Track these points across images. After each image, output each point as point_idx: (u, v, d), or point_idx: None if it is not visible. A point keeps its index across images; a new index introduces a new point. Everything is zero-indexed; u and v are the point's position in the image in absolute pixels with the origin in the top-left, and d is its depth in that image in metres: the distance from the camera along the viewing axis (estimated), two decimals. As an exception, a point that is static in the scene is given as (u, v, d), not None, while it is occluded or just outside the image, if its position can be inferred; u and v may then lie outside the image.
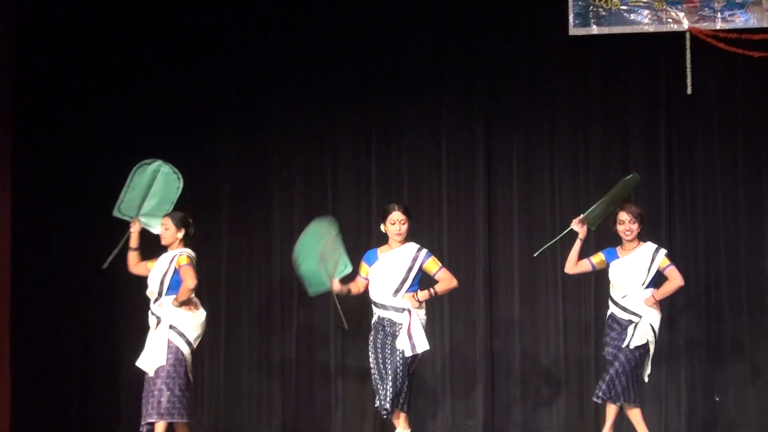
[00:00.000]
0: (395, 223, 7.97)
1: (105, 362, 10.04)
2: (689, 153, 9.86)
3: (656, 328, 8.14)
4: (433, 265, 8.04)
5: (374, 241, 9.98)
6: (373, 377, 7.97)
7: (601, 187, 9.82)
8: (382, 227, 8.09)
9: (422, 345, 7.91)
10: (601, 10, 9.86)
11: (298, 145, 10.23)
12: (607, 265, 8.31)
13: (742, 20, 9.79)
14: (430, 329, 9.54)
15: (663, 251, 8.22)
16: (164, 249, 8.28)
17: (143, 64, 10.25)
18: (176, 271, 8.05)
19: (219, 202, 10.22)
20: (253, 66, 10.27)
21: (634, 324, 8.09)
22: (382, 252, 8.06)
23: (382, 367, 7.89)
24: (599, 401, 8.23)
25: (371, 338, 8.03)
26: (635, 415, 8.19)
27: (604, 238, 8.75)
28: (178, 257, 8.08)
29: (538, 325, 9.88)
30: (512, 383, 9.84)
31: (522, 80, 10.04)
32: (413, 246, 8.04)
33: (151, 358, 7.94)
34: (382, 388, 7.86)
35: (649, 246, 8.24)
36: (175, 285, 8.04)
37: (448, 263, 9.76)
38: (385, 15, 10.13)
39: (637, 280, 8.14)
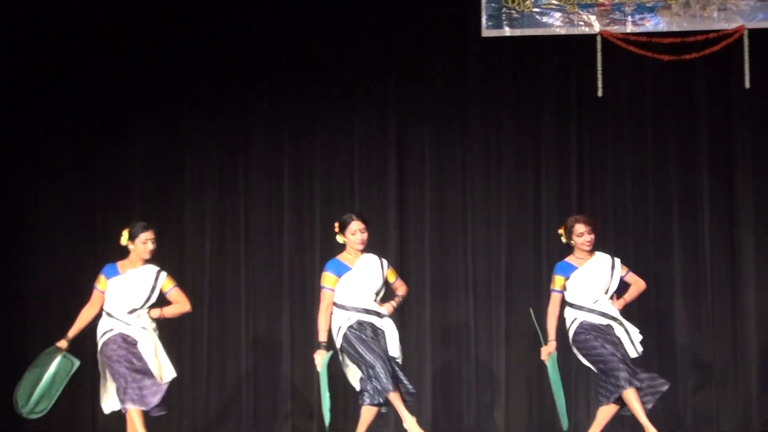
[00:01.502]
0: (356, 232, 8.01)
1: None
2: (599, 154, 9.95)
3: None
4: (392, 275, 8.19)
5: (286, 239, 10.01)
6: (367, 366, 7.86)
7: (513, 187, 9.93)
8: (339, 238, 8.09)
9: (400, 353, 8.03)
10: (513, 12, 9.92)
11: (211, 146, 10.17)
12: (567, 279, 8.16)
13: (651, 24, 9.90)
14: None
15: (618, 259, 8.22)
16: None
17: (56, 63, 10.12)
18: (160, 291, 8.02)
19: (130, 205, 10.09)
20: (166, 66, 10.16)
21: (622, 329, 8.01)
22: (350, 261, 8.06)
23: (379, 353, 7.86)
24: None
25: (355, 334, 7.94)
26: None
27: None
28: (164, 278, 8.03)
29: (448, 323, 9.90)
30: (423, 383, 9.84)
31: (435, 81, 10.05)
32: (374, 256, 8.11)
33: (168, 367, 7.98)
34: (387, 373, 7.81)
35: (603, 255, 8.21)
36: (155, 302, 8.04)
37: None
38: (298, 13, 10.10)
39: (603, 287, 8.10)
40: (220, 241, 10.09)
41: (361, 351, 7.87)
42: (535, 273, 9.84)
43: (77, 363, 8.12)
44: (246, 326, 9.96)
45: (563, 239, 8.21)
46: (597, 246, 9.59)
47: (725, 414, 9.63)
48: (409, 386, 7.88)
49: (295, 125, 10.12)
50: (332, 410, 8.03)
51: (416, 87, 10.05)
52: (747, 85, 9.73)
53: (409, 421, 7.82)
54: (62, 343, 8.05)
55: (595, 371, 8.09)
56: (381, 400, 7.86)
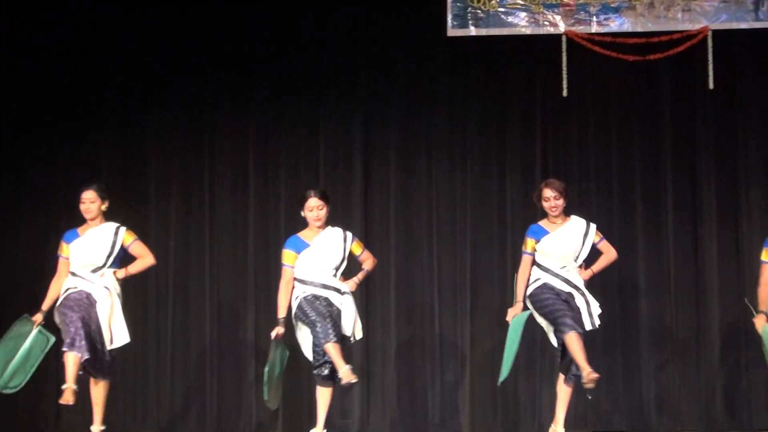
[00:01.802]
0: (313, 209, 8.13)
1: None
2: (564, 154, 9.99)
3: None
4: (357, 247, 8.28)
5: (252, 239, 10.01)
6: (312, 325, 7.95)
7: (478, 186, 9.96)
8: (301, 213, 8.22)
9: (360, 332, 8.21)
10: (479, 11, 9.95)
11: (176, 142, 10.16)
12: (537, 242, 8.23)
13: (616, 24, 9.95)
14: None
15: (594, 225, 8.29)
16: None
17: (21, 58, 10.09)
18: (122, 246, 8.10)
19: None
20: (132, 61, 10.15)
21: (583, 300, 8.07)
22: (309, 237, 8.15)
23: (326, 315, 7.91)
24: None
25: (308, 301, 8.00)
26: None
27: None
28: (123, 233, 8.13)
29: (414, 319, 9.93)
30: (388, 377, 9.87)
31: (401, 80, 10.07)
32: (338, 229, 8.22)
33: (122, 332, 8.03)
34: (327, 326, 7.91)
35: (579, 220, 8.28)
36: (119, 259, 8.14)
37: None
38: (265, 10, 10.10)
39: (572, 253, 8.16)
40: (185, 238, 10.08)
41: (308, 312, 7.98)
42: (499, 270, 9.88)
43: (53, 339, 8.14)
44: (210, 323, 9.95)
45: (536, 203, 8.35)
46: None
47: (687, 407, 9.67)
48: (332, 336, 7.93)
49: (261, 123, 10.12)
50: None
51: (382, 86, 10.07)
52: (711, 85, 9.77)
53: (343, 369, 7.87)
54: (37, 317, 8.09)
55: (546, 325, 8.14)
56: (334, 379, 7.97)
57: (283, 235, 9.81)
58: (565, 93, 9.85)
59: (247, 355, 9.85)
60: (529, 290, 8.18)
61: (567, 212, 8.34)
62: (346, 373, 7.87)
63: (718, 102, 9.87)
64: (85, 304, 7.96)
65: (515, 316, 8.12)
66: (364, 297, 9.78)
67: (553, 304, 8.04)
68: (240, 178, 10.11)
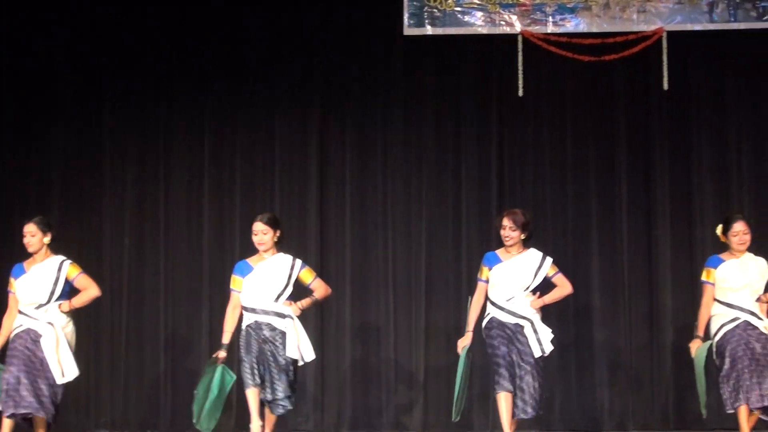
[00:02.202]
0: (257, 233, 8.01)
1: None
2: (520, 153, 10.03)
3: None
4: (308, 275, 8.10)
5: (206, 238, 9.98)
6: (252, 379, 7.88)
7: (434, 186, 9.97)
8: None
9: (309, 354, 8.03)
10: (435, 11, 9.95)
11: (131, 141, 10.12)
12: (490, 270, 8.09)
13: (572, 25, 9.98)
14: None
15: (549, 259, 8.10)
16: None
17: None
18: (66, 281, 7.91)
19: (48, 201, 10.00)
20: (87, 60, 10.10)
21: (531, 329, 7.96)
22: (255, 262, 8.06)
23: (265, 370, 7.87)
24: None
25: (243, 343, 7.95)
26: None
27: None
28: (67, 267, 7.95)
29: (369, 324, 9.93)
30: (342, 382, 9.88)
31: (357, 79, 10.07)
32: (287, 257, 8.07)
33: (70, 366, 7.87)
34: (271, 388, 7.86)
35: (535, 252, 8.10)
36: (65, 293, 7.94)
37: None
38: (219, 9, 10.07)
39: (522, 283, 8.01)
40: (139, 237, 10.05)
41: (242, 350, 7.93)
42: (455, 271, 9.91)
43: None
44: (165, 322, 9.92)
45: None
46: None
47: (640, 411, 9.74)
48: (279, 394, 7.85)
49: (216, 122, 10.09)
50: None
51: (337, 84, 10.07)
52: (665, 86, 9.83)
53: (254, 424, 7.85)
54: None
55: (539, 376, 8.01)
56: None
57: (238, 235, 9.88)
58: (520, 92, 9.88)
59: (201, 353, 9.80)
60: (483, 322, 8.06)
61: (527, 244, 8.09)
62: (254, 429, 7.85)
63: (672, 102, 9.93)
64: (25, 351, 7.80)
65: (464, 347, 8.05)
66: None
67: (497, 348, 7.92)
68: (195, 178, 10.07)
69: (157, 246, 9.98)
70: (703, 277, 8.08)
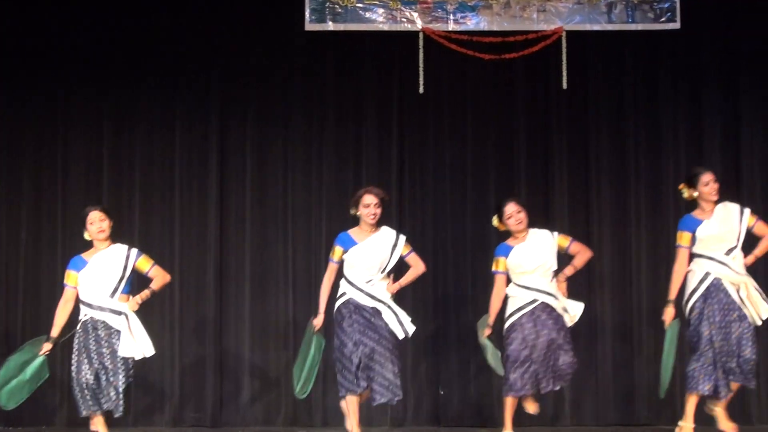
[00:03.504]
0: (94, 222, 7.95)
1: None
2: (420, 150, 10.07)
3: None
4: (145, 263, 8.02)
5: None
6: (78, 383, 7.80)
7: (334, 182, 9.96)
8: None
9: (149, 349, 7.97)
10: (337, 6, 9.95)
11: (28, 136, 10.00)
12: (345, 252, 8.15)
13: (473, 23, 10.04)
14: (159, 321, 9.55)
15: (403, 237, 8.20)
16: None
17: None
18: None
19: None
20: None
21: (390, 312, 8.03)
22: (89, 255, 7.96)
23: (102, 370, 7.79)
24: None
25: (78, 341, 7.86)
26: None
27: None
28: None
29: (268, 311, 9.90)
30: (242, 376, 9.84)
31: (258, 74, 10.04)
32: (122, 246, 7.99)
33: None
34: (105, 390, 7.77)
35: (389, 231, 8.19)
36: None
37: (179, 257, 9.79)
38: (118, 1, 9.98)
39: (377, 266, 8.04)
40: (36, 232, 9.92)
41: (74, 347, 7.91)
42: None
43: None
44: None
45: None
46: (416, 240, 9.81)
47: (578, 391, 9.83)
48: (111, 396, 7.85)
49: (115, 117, 10.01)
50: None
51: (238, 80, 10.03)
52: (564, 85, 9.94)
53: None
54: None
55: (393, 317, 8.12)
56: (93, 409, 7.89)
57: (137, 228, 9.83)
58: (421, 90, 9.92)
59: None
60: (337, 304, 8.13)
61: (380, 224, 8.24)
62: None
63: (571, 101, 10.04)
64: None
65: (319, 329, 8.15)
66: (218, 288, 9.76)
67: (344, 345, 7.98)
68: (94, 171, 9.98)
69: (55, 238, 9.85)
70: (678, 242, 8.12)
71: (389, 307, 8.05)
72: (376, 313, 8.03)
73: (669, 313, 8.06)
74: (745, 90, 10.00)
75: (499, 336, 8.42)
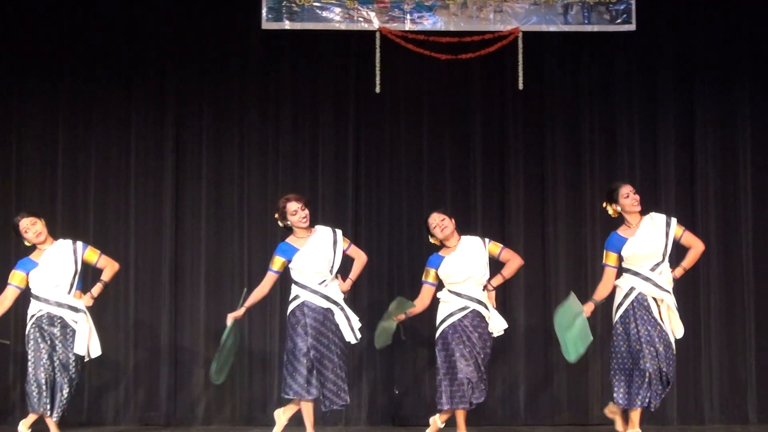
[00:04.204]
0: (28, 230, 8.09)
1: None
2: (376, 149, 10.08)
3: None
4: (92, 254, 8.09)
5: (59, 229, 9.74)
6: (36, 381, 7.78)
7: (290, 180, 9.96)
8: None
9: (98, 349, 8.03)
10: (294, 5, 9.96)
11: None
12: (289, 261, 8.20)
13: (430, 23, 10.07)
14: (113, 319, 9.52)
15: (339, 231, 8.26)
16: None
17: None
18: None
19: None
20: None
21: (342, 315, 8.06)
22: (37, 257, 8.06)
23: (52, 370, 7.78)
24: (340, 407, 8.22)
25: (34, 338, 7.83)
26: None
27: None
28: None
29: (223, 310, 9.83)
30: (196, 369, 9.83)
31: (215, 72, 10.03)
32: (67, 241, 8.05)
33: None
34: (60, 388, 7.78)
35: (324, 229, 8.22)
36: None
37: (134, 253, 9.76)
38: (75, -1, 9.99)
39: (327, 264, 8.10)
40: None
41: (31, 345, 7.92)
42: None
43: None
44: (14, 313, 9.69)
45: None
46: (372, 239, 9.83)
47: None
48: (64, 394, 7.89)
49: (70, 112, 9.98)
50: None
51: (194, 78, 10.03)
52: (521, 86, 9.97)
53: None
54: None
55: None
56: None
57: (92, 225, 9.80)
58: (378, 89, 9.93)
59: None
60: (290, 307, 8.14)
61: (313, 223, 8.30)
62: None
63: (527, 101, 10.07)
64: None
65: (234, 320, 8.21)
66: (172, 288, 9.73)
67: (297, 348, 8.01)
68: (48, 167, 9.94)
69: (7, 236, 9.77)
70: (605, 261, 8.18)
71: (342, 309, 8.09)
72: (329, 315, 8.06)
73: (590, 307, 8.16)
74: (700, 90, 10.08)
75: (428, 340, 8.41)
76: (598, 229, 9.91)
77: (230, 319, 8.16)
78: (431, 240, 8.46)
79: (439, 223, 8.29)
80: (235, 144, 10.02)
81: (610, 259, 8.15)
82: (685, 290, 9.38)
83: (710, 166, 10.01)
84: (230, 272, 9.92)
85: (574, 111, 10.14)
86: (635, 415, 8.02)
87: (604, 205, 8.25)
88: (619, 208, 8.13)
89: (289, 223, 8.17)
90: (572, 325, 8.13)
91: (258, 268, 9.87)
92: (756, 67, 10.09)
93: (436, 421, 8.32)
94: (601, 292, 8.20)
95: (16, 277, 7.95)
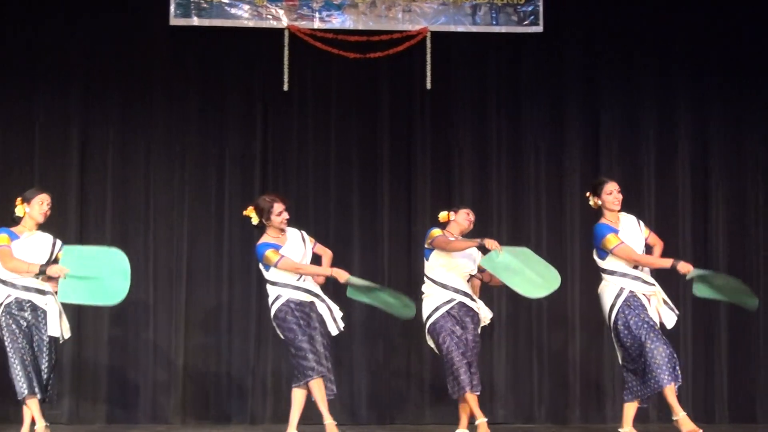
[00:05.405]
0: (43, 202, 8.00)
1: None
2: (284, 147, 10.07)
3: None
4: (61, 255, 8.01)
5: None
6: (22, 365, 7.68)
7: (196, 179, 9.91)
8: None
9: (67, 330, 8.01)
10: (202, 2, 9.93)
11: None
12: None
13: (338, 21, 10.10)
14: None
15: (303, 231, 8.20)
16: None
17: None
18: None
19: None
20: None
21: (324, 306, 8.01)
22: (19, 232, 7.91)
23: (31, 354, 7.71)
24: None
25: (7, 324, 7.75)
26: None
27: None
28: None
29: (128, 310, 9.78)
30: (100, 367, 9.77)
31: (121, 68, 9.97)
32: (48, 235, 8.00)
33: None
34: (37, 374, 7.70)
35: (293, 229, 8.14)
36: None
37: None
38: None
39: (305, 261, 8.04)
40: None
41: (5, 334, 7.78)
42: (216, 265, 9.88)
43: None
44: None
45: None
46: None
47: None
48: (47, 377, 7.83)
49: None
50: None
51: (101, 72, 9.95)
52: (428, 85, 10.03)
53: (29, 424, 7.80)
54: None
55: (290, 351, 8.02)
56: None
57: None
58: (286, 87, 9.93)
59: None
60: (273, 309, 8.02)
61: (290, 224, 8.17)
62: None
63: (434, 101, 10.14)
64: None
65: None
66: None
67: (297, 334, 7.90)
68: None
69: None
70: (614, 244, 8.00)
71: (323, 300, 8.06)
72: (314, 307, 8.02)
73: (684, 266, 7.98)
74: (605, 91, 10.21)
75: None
76: (504, 226, 9.99)
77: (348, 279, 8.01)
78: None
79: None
80: (141, 141, 9.96)
81: (613, 240, 7.97)
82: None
83: (615, 165, 10.12)
84: (135, 269, 9.60)
85: (481, 111, 10.21)
86: (669, 392, 7.80)
87: (587, 194, 8.24)
88: (600, 203, 8.19)
89: (271, 221, 8.00)
90: (729, 285, 8.20)
91: (162, 267, 9.84)
92: (660, 68, 10.23)
93: (476, 421, 8.15)
94: (649, 260, 8.06)
95: (4, 239, 7.81)
